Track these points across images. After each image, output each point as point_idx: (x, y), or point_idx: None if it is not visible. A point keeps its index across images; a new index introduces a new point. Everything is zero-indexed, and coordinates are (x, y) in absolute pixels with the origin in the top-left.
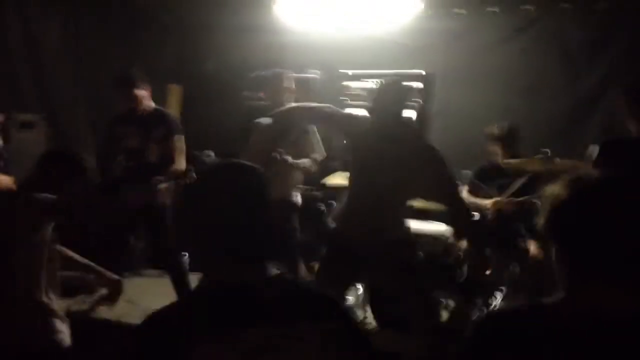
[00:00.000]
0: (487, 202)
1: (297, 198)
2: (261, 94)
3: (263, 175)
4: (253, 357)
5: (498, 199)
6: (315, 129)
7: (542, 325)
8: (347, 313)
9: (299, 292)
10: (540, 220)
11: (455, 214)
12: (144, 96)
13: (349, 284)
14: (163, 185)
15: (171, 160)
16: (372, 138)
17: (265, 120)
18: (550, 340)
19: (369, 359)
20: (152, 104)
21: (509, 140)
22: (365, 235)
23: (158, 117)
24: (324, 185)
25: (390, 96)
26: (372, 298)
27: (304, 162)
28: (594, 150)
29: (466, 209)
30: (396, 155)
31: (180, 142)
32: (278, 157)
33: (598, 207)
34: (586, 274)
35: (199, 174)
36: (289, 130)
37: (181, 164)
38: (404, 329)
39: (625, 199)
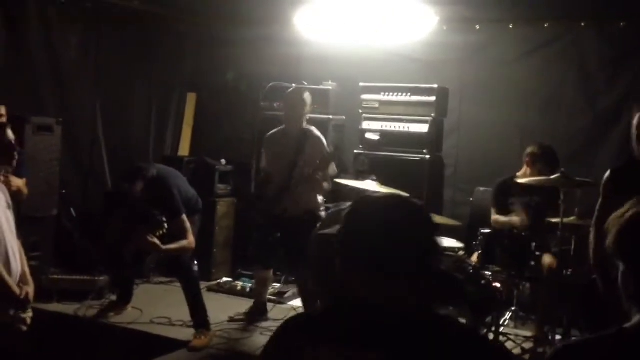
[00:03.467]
0: (516, 221)
1: (322, 212)
2: (277, 104)
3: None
4: None
5: (525, 217)
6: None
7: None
8: None
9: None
10: (609, 241)
11: None
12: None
13: None
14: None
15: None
16: None
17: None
18: None
19: None
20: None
21: (548, 159)
22: None
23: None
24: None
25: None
26: None
27: (326, 185)
28: None
29: None
30: None
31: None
32: (311, 172)
33: None
34: None
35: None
36: (303, 147)
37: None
38: None
39: None
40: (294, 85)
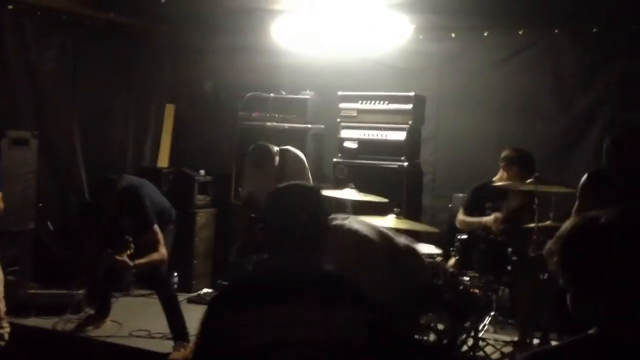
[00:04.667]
0: (488, 219)
1: None
2: (255, 114)
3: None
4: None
5: (498, 214)
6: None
7: None
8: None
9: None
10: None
11: None
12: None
13: None
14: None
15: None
16: None
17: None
18: None
19: None
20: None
21: (523, 162)
22: None
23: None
24: None
25: None
26: None
27: None
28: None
29: None
30: None
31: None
32: None
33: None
34: (629, 304)
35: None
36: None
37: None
38: None
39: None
40: (272, 94)
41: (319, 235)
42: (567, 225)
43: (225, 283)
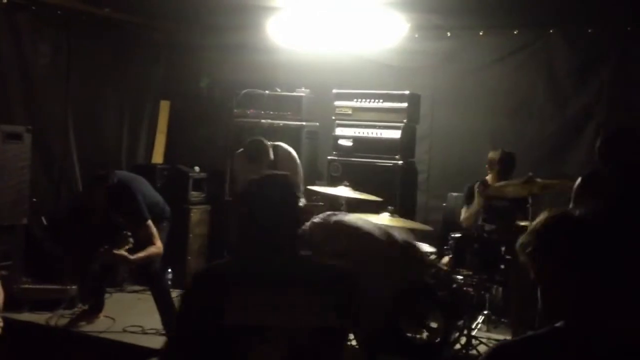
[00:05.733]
0: (476, 197)
1: None
2: (250, 111)
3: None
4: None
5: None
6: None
7: (555, 353)
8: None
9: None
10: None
11: None
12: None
13: None
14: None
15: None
16: None
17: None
18: None
19: None
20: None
21: (503, 165)
22: None
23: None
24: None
25: None
26: None
27: None
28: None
29: None
30: None
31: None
32: None
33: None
34: (596, 297)
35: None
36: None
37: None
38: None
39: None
40: (267, 92)
41: (295, 223)
42: (540, 218)
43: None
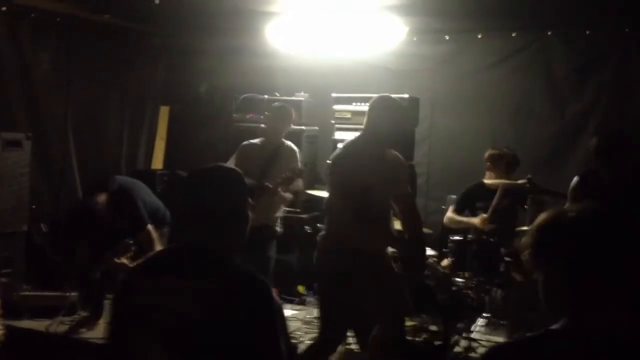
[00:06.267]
0: (475, 220)
1: (278, 227)
2: (250, 116)
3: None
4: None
5: (485, 215)
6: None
7: (553, 354)
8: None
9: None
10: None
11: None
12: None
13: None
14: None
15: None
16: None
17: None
18: None
19: None
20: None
21: (501, 164)
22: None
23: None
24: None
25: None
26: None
27: (289, 195)
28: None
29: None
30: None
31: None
32: (270, 186)
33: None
34: (593, 297)
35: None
36: (276, 158)
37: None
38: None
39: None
40: (266, 96)
41: (228, 218)
42: (539, 218)
43: None
